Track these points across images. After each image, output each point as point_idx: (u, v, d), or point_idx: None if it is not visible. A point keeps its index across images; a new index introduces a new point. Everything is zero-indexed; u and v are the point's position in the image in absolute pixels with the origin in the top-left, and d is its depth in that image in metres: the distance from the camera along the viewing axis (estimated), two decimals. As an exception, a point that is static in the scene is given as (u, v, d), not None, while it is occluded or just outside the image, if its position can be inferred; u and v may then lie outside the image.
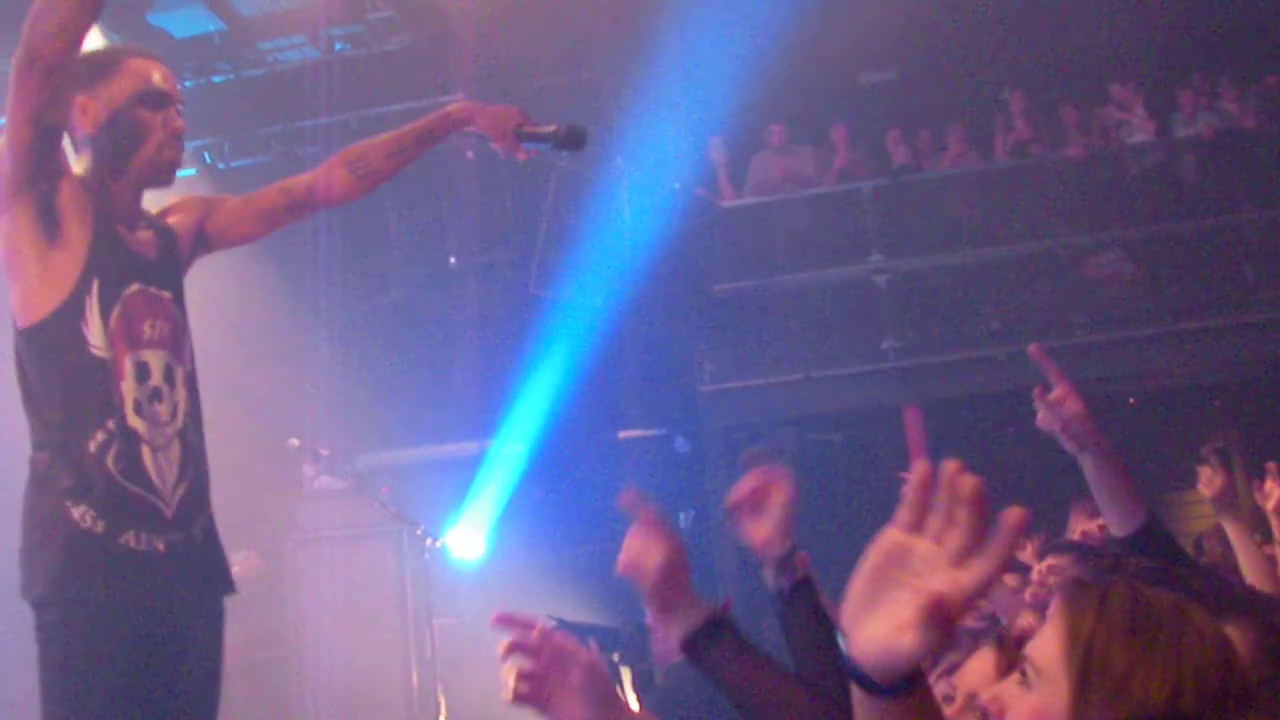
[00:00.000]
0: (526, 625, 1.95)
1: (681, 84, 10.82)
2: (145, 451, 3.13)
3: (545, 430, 9.47)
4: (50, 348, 3.13)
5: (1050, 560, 4.97)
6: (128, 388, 3.13)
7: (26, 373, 3.16)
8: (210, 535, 3.32)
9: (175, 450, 3.20)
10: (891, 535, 1.47)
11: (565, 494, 9.74)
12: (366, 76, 10.82)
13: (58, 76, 2.99)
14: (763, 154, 11.40)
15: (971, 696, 2.35)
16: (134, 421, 3.13)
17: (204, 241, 3.55)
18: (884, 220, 10.85)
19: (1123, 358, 10.34)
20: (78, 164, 3.27)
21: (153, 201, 3.47)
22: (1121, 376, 10.82)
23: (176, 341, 3.30)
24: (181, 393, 3.26)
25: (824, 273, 10.88)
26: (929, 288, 10.80)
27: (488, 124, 3.72)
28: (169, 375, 3.24)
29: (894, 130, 11.28)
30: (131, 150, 3.24)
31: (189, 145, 11.10)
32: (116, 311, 3.16)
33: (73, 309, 3.11)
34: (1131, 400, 11.79)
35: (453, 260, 10.95)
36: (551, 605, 6.83)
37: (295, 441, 8.28)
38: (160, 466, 3.16)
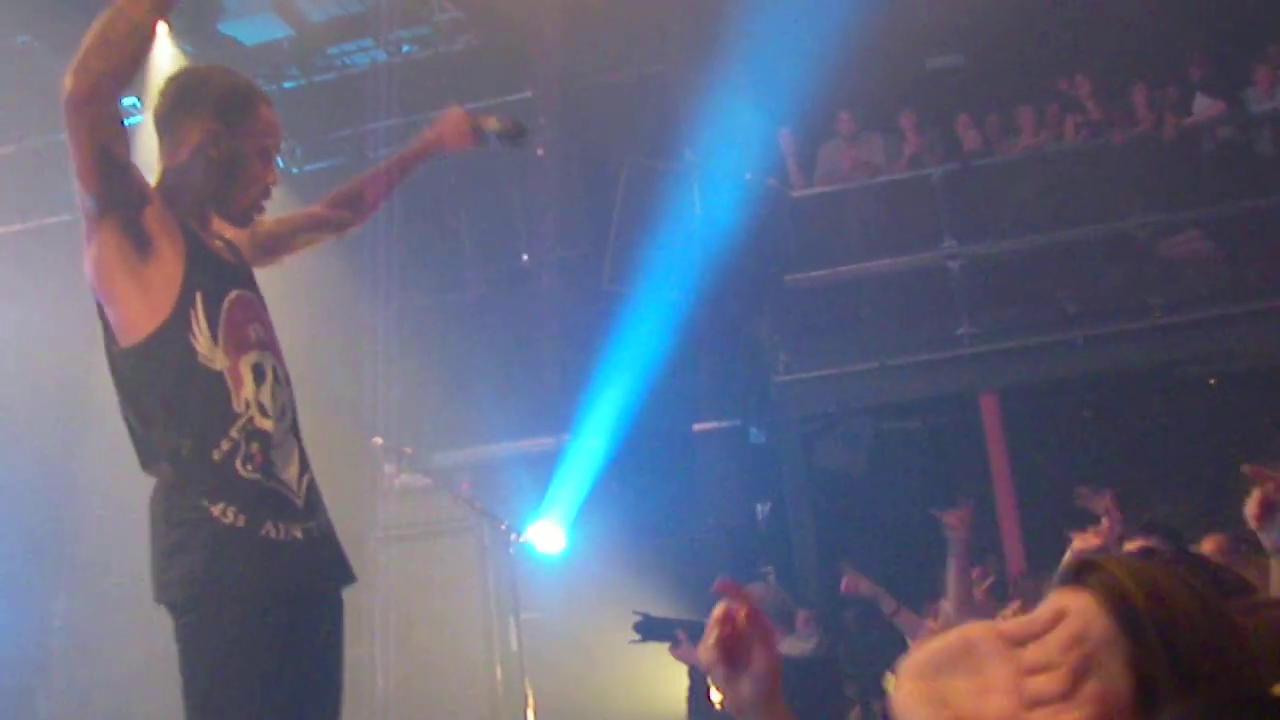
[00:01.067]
0: (742, 596, 1.94)
1: (749, 74, 10.81)
2: (273, 451, 3.23)
3: (622, 424, 9.53)
4: (159, 364, 3.19)
5: (1140, 541, 4.96)
6: (248, 392, 3.23)
7: (134, 390, 3.23)
8: (331, 525, 3.42)
9: (293, 444, 3.32)
10: (990, 633, 1.52)
11: (643, 487, 9.80)
12: (434, 77, 10.91)
13: (110, 110, 3.10)
14: (831, 143, 11.37)
15: None
16: (261, 423, 3.23)
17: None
18: (955, 206, 10.78)
19: (1202, 339, 10.21)
20: (165, 166, 3.38)
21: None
22: (1201, 358, 10.69)
23: (275, 341, 3.41)
24: (287, 390, 3.37)
25: (897, 260, 10.82)
26: (1003, 273, 10.71)
27: (450, 139, 3.93)
28: (278, 374, 3.35)
29: (963, 115, 11.21)
30: (236, 193, 3.36)
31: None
32: (223, 320, 3.25)
33: (179, 323, 3.18)
34: (1212, 381, 11.64)
35: (526, 257, 11.05)
36: (633, 598, 6.91)
37: (379, 440, 8.40)
38: (286, 462, 3.27)
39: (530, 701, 7.77)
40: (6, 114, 10.79)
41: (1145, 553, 4.65)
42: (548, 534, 8.79)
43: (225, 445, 3.17)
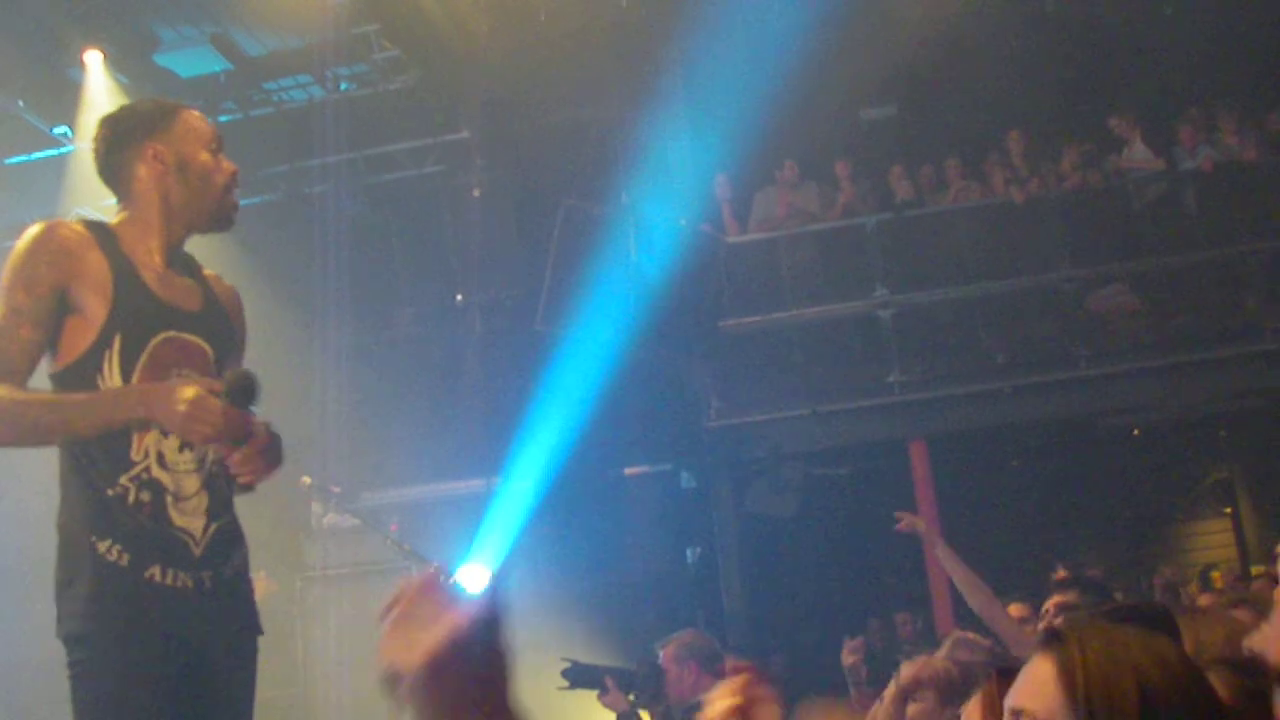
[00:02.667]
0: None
1: (686, 120, 10.91)
2: (169, 500, 3.16)
3: (552, 467, 9.50)
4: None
5: (1058, 597, 5.01)
6: (150, 440, 3.16)
7: None
8: (242, 576, 3.34)
9: (203, 498, 3.23)
10: None
11: (573, 530, 9.77)
12: (372, 115, 10.91)
13: None
14: (766, 190, 11.47)
15: None
16: (157, 473, 3.16)
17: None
18: (888, 255, 10.90)
19: (1127, 390, 10.39)
20: (125, 209, 3.35)
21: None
22: (1126, 409, 10.87)
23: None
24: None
25: (829, 307, 10.92)
26: (933, 322, 10.85)
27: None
28: None
29: (896, 166, 11.36)
30: (201, 193, 3.33)
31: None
32: (141, 363, 3.20)
33: (91, 362, 3.15)
34: (1136, 432, 11.83)
35: (459, 297, 11.02)
36: (562, 642, 6.86)
37: (307, 480, 8.32)
38: (185, 512, 3.19)
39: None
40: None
41: (1064, 608, 4.70)
42: (476, 576, 8.73)
43: (119, 489, 3.13)
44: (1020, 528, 11.68)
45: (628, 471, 10.37)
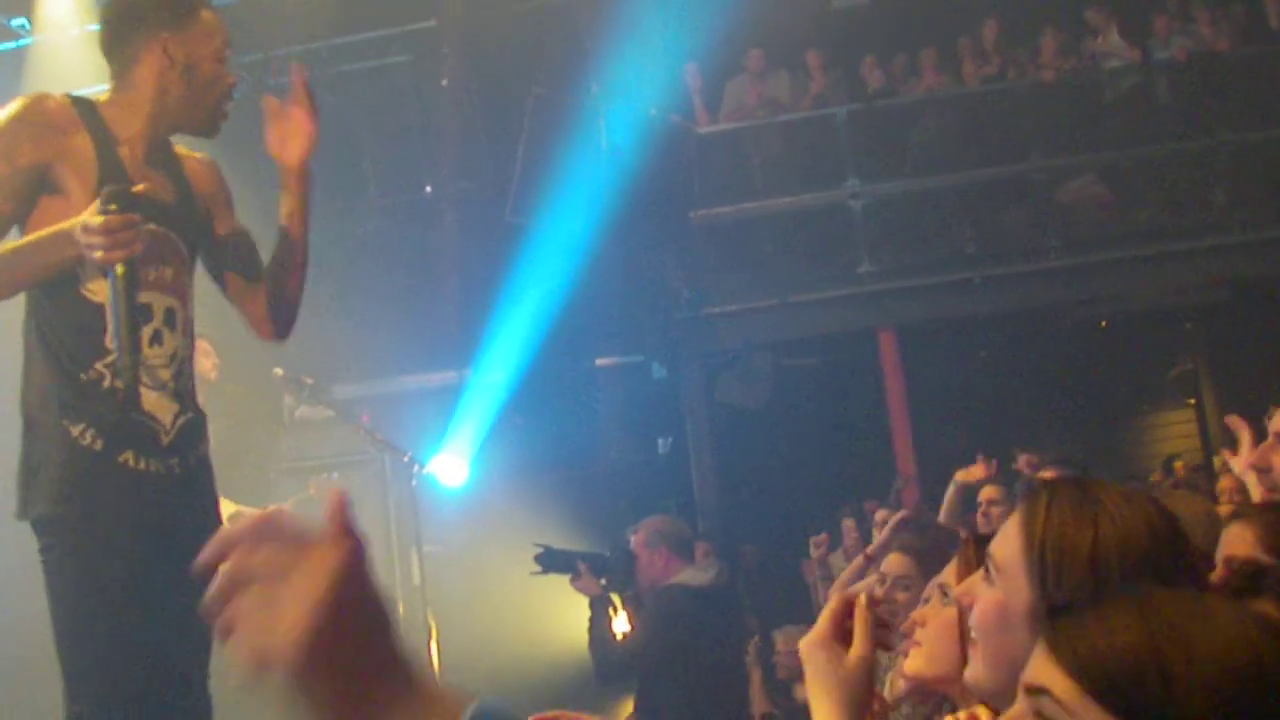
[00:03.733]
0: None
1: (656, 8, 10.77)
2: (139, 390, 3.18)
3: (524, 358, 9.52)
4: (47, 287, 3.17)
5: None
6: (146, 329, 3.17)
7: (28, 307, 3.23)
8: (205, 464, 3.39)
9: (172, 388, 3.25)
10: None
11: (545, 421, 9.82)
12: (339, 3, 10.70)
13: None
14: (737, 80, 11.38)
15: (943, 587, 2.45)
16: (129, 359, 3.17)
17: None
18: (859, 145, 10.87)
19: (1095, 280, 10.45)
20: (118, 91, 3.32)
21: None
22: (1094, 299, 10.94)
23: (181, 286, 3.33)
24: (180, 339, 3.30)
25: (800, 198, 10.91)
26: (904, 212, 10.85)
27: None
28: (170, 319, 3.27)
29: (868, 56, 11.27)
30: (200, 100, 3.31)
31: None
32: None
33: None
34: (1103, 323, 11.93)
35: (428, 189, 10.93)
36: (535, 530, 6.93)
37: (279, 371, 8.28)
38: (157, 400, 3.22)
39: (433, 634, 7.79)
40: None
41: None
42: (450, 467, 8.78)
43: (91, 375, 3.14)
44: (988, 417, 11.80)
45: (599, 362, 10.41)
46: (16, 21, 10.95)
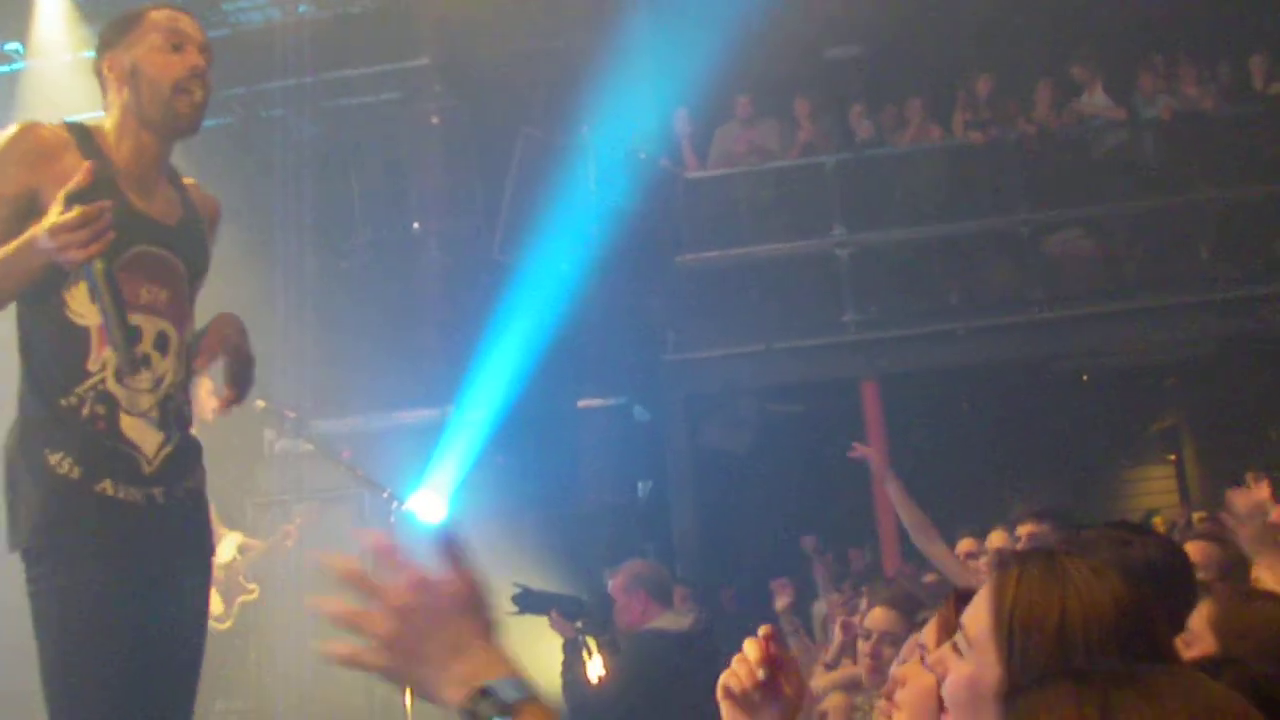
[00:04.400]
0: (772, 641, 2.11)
1: (648, 53, 10.82)
2: (121, 415, 3.14)
3: (507, 397, 9.49)
4: (33, 306, 3.16)
5: (1030, 527, 5.11)
6: (109, 354, 3.11)
7: (19, 324, 3.20)
8: (196, 495, 3.33)
9: (156, 415, 3.20)
10: None
11: (526, 461, 9.78)
12: (331, 38, 10.74)
13: None
14: (727, 126, 11.44)
15: (922, 648, 2.44)
16: (112, 387, 3.13)
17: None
18: (846, 194, 10.91)
19: (1079, 334, 10.48)
20: (106, 115, 3.31)
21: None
22: (1077, 353, 10.97)
23: (177, 310, 3.27)
24: (171, 363, 3.24)
25: (786, 245, 10.93)
26: (890, 262, 10.88)
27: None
28: (161, 343, 3.22)
29: (857, 105, 11.34)
30: (155, 94, 3.24)
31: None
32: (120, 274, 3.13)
33: (57, 273, 3.08)
34: (1085, 377, 11.96)
35: (416, 225, 10.94)
36: (514, 571, 6.90)
37: (261, 403, 8.25)
38: (140, 428, 3.16)
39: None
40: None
41: (1034, 538, 4.78)
42: (429, 504, 8.74)
43: (72, 400, 3.10)
44: (969, 469, 11.81)
45: (581, 404, 10.38)
46: (10, 46, 10.98)
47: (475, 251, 10.35)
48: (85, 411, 3.10)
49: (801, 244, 10.94)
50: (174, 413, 3.25)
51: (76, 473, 3.09)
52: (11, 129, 3.19)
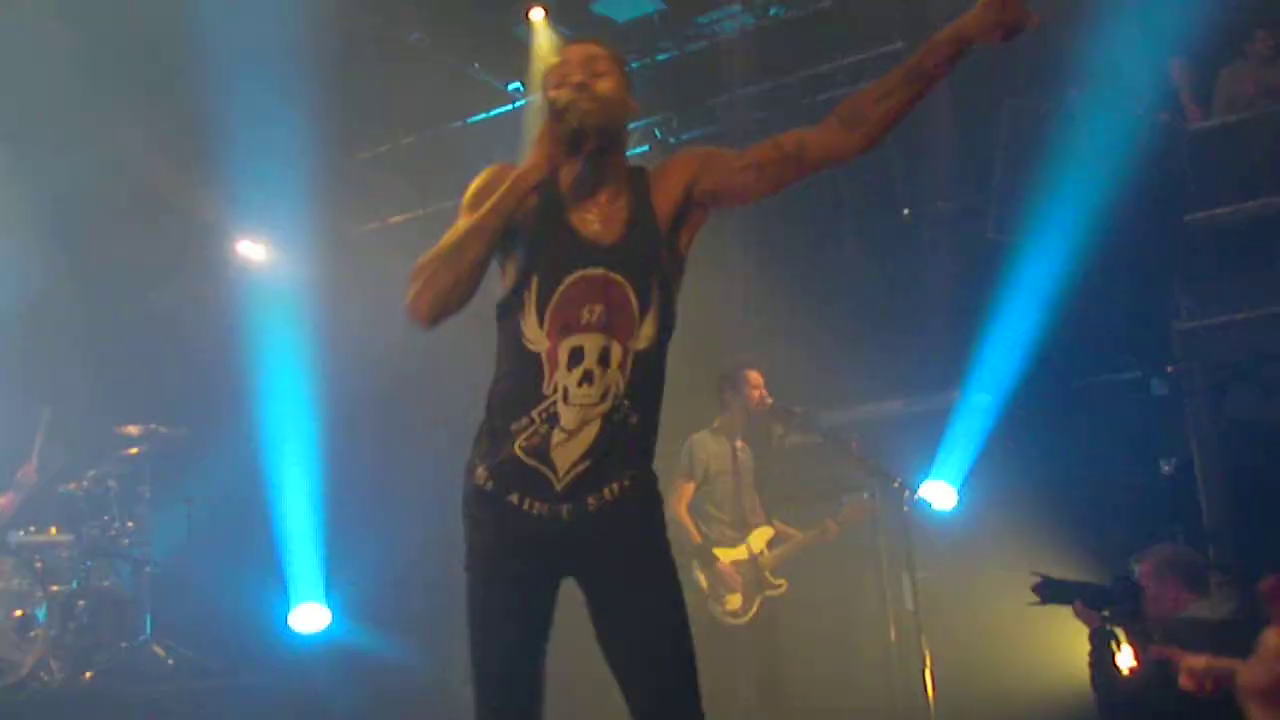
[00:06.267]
0: None
1: (1135, 5, 10.20)
2: (556, 435, 3.36)
3: (1014, 379, 9.25)
4: (499, 333, 3.51)
5: None
6: (560, 376, 3.37)
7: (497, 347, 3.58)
8: (610, 513, 3.42)
9: (593, 429, 3.38)
10: None
11: (1037, 443, 9.47)
12: (803, 36, 10.88)
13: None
14: (1234, 66, 10.58)
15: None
16: (560, 409, 3.37)
17: (694, 204, 3.58)
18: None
19: None
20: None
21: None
22: None
23: (620, 323, 3.42)
24: (617, 374, 3.40)
25: (1309, 191, 9.98)
26: None
27: (988, 30, 3.31)
28: (604, 358, 3.39)
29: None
30: (557, 124, 3.43)
31: (640, 123, 11.56)
32: (555, 302, 3.40)
33: (514, 304, 3.43)
34: None
35: (906, 211, 10.85)
36: (1030, 559, 6.70)
37: (769, 401, 8.50)
38: (567, 448, 3.37)
39: (928, 662, 7.69)
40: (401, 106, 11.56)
41: None
42: (939, 491, 8.66)
43: (524, 421, 3.37)
44: None
45: (1092, 380, 9.94)
46: (513, 86, 11.86)
47: (969, 233, 10.14)
48: (524, 434, 3.37)
49: (1331, 187, 9.94)
50: (616, 424, 3.41)
51: (491, 485, 3.40)
52: (485, 170, 3.56)
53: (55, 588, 9.16)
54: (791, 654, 8.45)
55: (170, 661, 9.45)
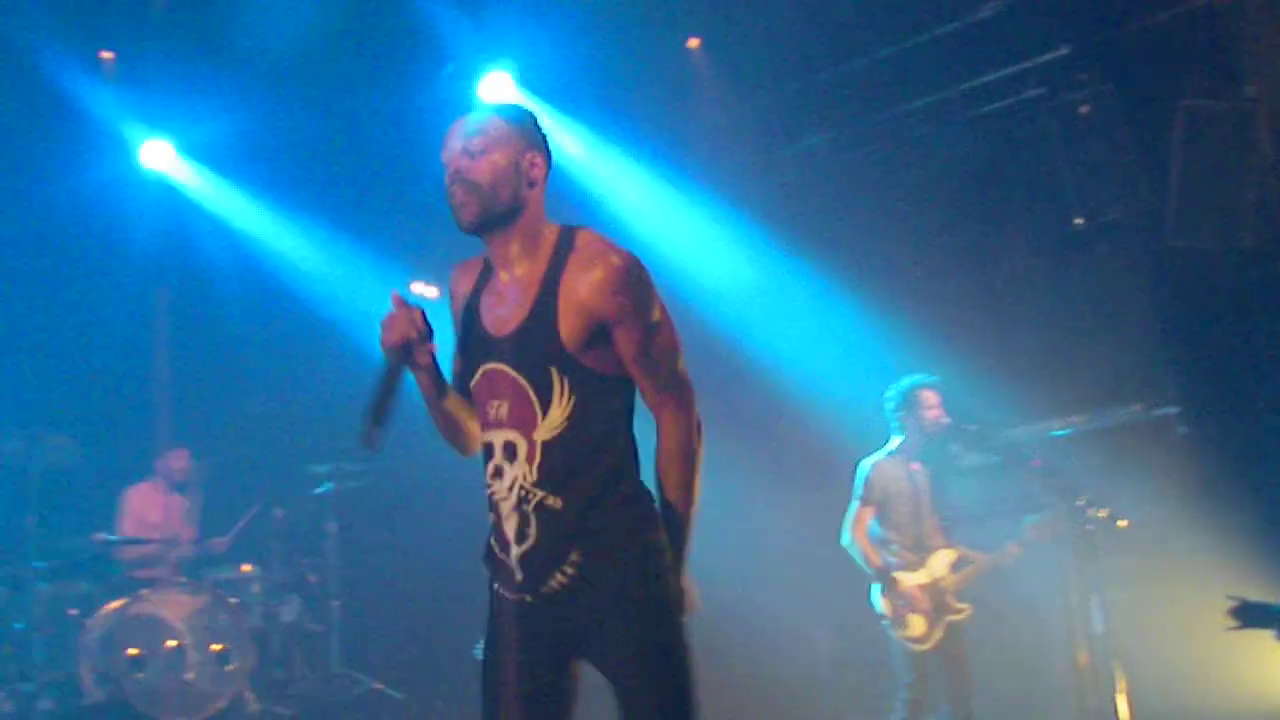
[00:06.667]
0: None
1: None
2: (503, 525, 3.48)
3: (1201, 391, 8.96)
4: None
5: None
6: (490, 469, 3.52)
7: None
8: (560, 596, 3.40)
9: (514, 520, 3.44)
10: None
11: (1228, 457, 9.13)
12: (965, 46, 10.73)
13: None
14: None
15: None
16: (496, 501, 3.50)
17: (604, 339, 3.40)
18: None
19: None
20: None
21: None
22: None
23: (523, 415, 3.39)
24: (525, 466, 3.40)
25: None
26: None
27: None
28: (509, 452, 3.43)
29: None
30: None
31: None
32: (474, 397, 3.57)
33: (465, 393, 3.64)
34: None
35: (1078, 221, 10.57)
36: (1224, 579, 6.50)
37: (946, 420, 8.36)
38: (509, 536, 3.46)
39: (1122, 686, 7.47)
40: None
41: None
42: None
43: (489, 515, 3.54)
44: None
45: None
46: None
47: (1147, 241, 9.84)
48: (492, 523, 3.51)
49: None
50: (537, 513, 3.40)
51: (487, 574, 3.57)
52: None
53: (249, 622, 9.51)
54: (977, 679, 8.28)
55: (358, 693, 9.72)
